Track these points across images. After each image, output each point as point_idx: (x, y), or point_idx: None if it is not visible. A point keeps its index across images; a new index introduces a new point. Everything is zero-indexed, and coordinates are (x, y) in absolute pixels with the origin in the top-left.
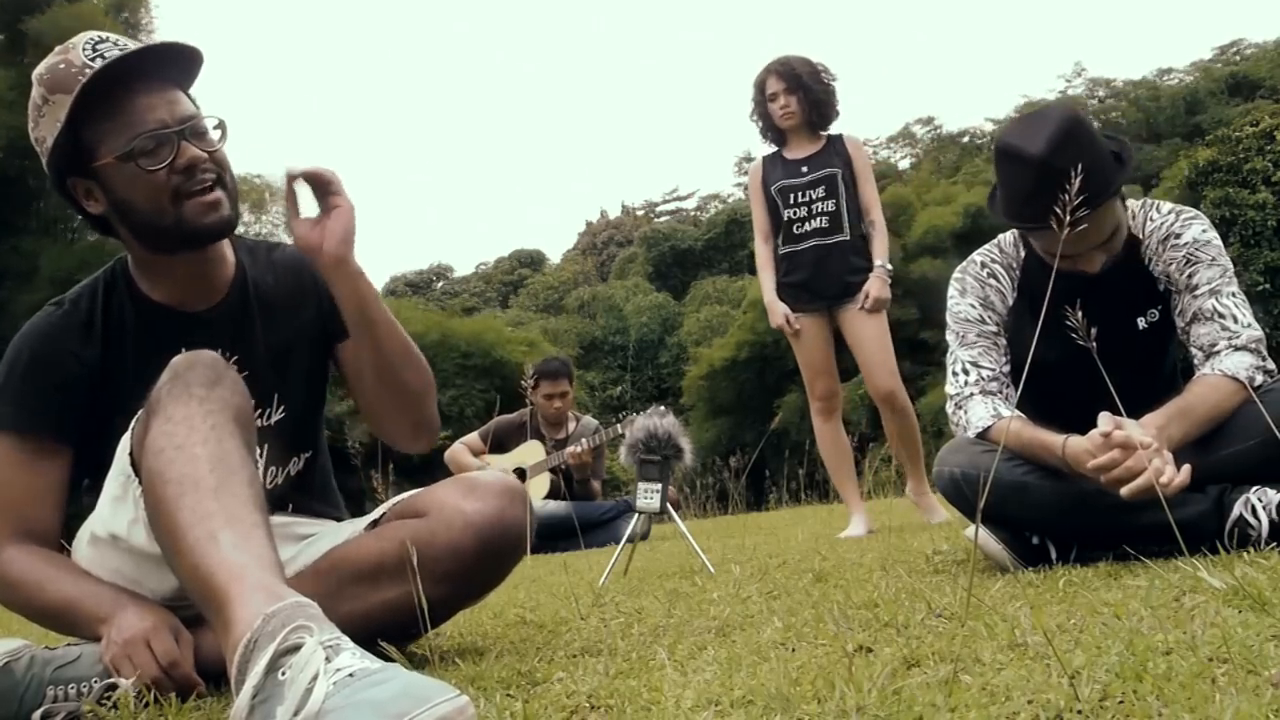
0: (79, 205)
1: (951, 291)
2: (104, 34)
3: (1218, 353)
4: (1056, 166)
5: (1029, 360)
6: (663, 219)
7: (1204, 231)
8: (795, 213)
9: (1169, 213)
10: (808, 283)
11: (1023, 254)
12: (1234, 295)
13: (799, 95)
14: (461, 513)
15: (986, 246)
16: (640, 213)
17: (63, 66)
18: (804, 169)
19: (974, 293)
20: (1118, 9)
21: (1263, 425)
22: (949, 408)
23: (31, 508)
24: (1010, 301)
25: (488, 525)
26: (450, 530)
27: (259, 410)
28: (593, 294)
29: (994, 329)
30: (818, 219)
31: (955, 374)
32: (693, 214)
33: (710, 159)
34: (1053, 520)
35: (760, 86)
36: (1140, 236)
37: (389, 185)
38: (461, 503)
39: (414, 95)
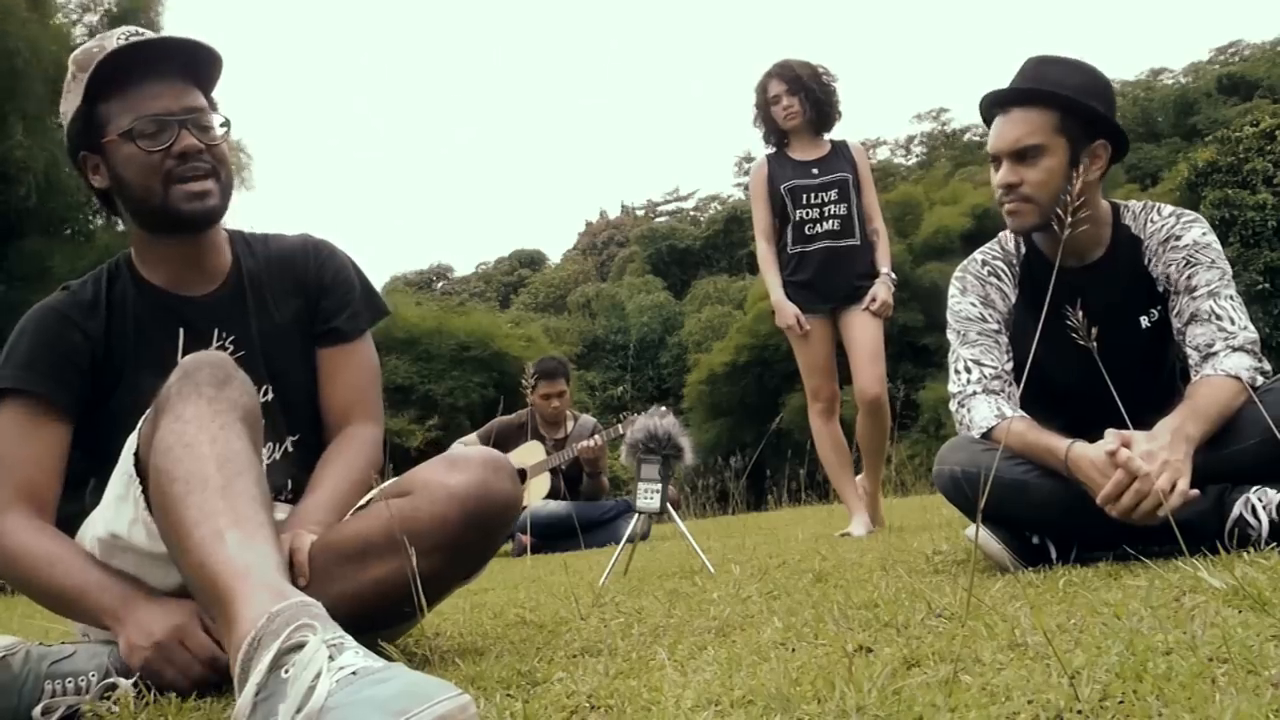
0: (87, 179)
1: (952, 290)
2: (141, 29)
3: (1215, 353)
4: (1039, 64)
5: (1030, 359)
6: (662, 219)
7: (1204, 234)
8: (807, 214)
9: (1169, 215)
10: (815, 284)
11: (1023, 250)
12: (1232, 298)
13: (801, 96)
14: (445, 485)
15: (987, 245)
16: (640, 213)
17: (95, 50)
18: (814, 170)
19: (974, 291)
20: (1116, 9)
21: (1263, 425)
22: (952, 406)
23: (35, 473)
24: (1012, 300)
25: (471, 496)
26: (434, 504)
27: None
28: (596, 291)
29: (995, 327)
30: (830, 221)
31: (957, 372)
32: (692, 214)
33: (710, 159)
34: (1053, 519)
35: (762, 90)
36: (1141, 237)
37: (389, 185)
38: (445, 477)
39: (414, 95)
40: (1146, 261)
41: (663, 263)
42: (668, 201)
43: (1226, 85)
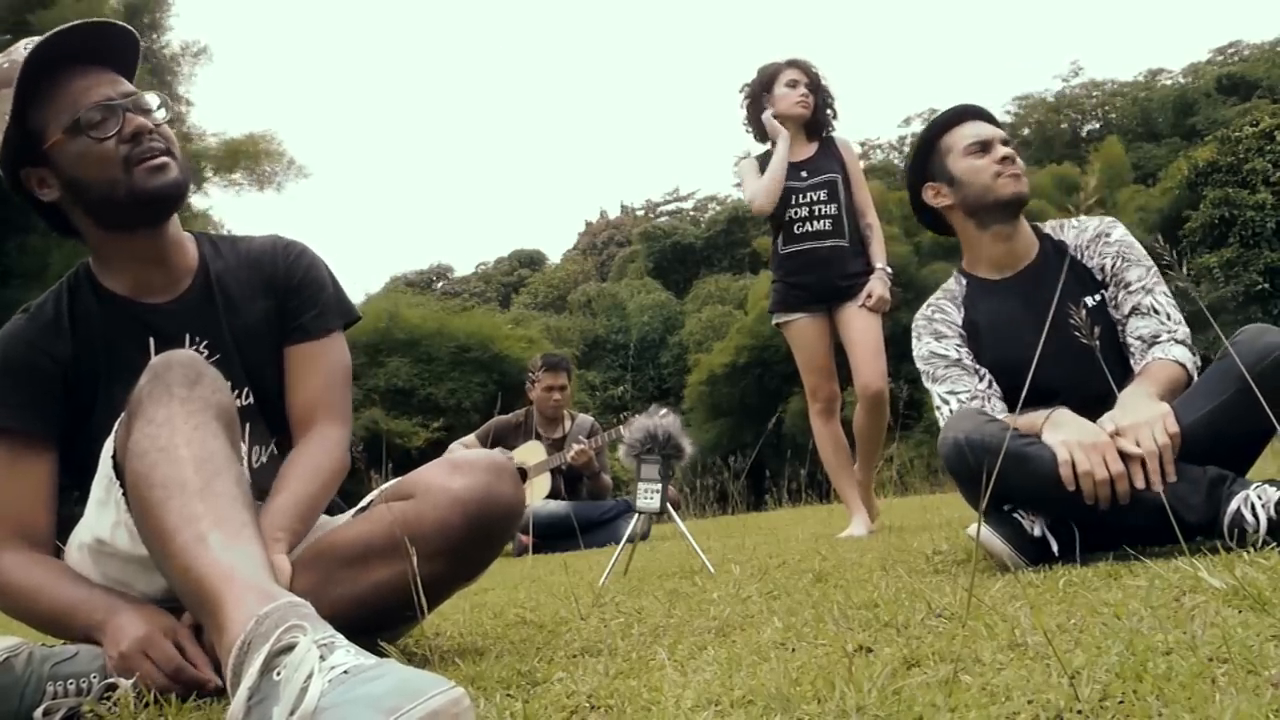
0: (33, 198)
1: (912, 342)
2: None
3: (1160, 342)
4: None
5: (1012, 357)
6: (662, 219)
7: (1125, 234)
8: (797, 213)
9: (1086, 220)
10: (809, 284)
11: (964, 283)
12: (1166, 294)
13: (815, 95)
14: (448, 490)
15: (935, 297)
16: (640, 213)
17: (6, 66)
18: (803, 173)
19: (925, 331)
20: (1115, 9)
21: (1235, 375)
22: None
23: (22, 509)
24: (959, 320)
25: (474, 501)
26: (437, 508)
27: (235, 393)
28: (598, 290)
29: (955, 355)
30: (820, 221)
31: (939, 409)
32: (692, 214)
33: (710, 159)
34: (1050, 494)
35: (769, 77)
36: (1066, 241)
37: (389, 185)
38: (448, 481)
39: (414, 95)
40: (1079, 257)
41: (665, 261)
42: (668, 201)
43: (1226, 85)
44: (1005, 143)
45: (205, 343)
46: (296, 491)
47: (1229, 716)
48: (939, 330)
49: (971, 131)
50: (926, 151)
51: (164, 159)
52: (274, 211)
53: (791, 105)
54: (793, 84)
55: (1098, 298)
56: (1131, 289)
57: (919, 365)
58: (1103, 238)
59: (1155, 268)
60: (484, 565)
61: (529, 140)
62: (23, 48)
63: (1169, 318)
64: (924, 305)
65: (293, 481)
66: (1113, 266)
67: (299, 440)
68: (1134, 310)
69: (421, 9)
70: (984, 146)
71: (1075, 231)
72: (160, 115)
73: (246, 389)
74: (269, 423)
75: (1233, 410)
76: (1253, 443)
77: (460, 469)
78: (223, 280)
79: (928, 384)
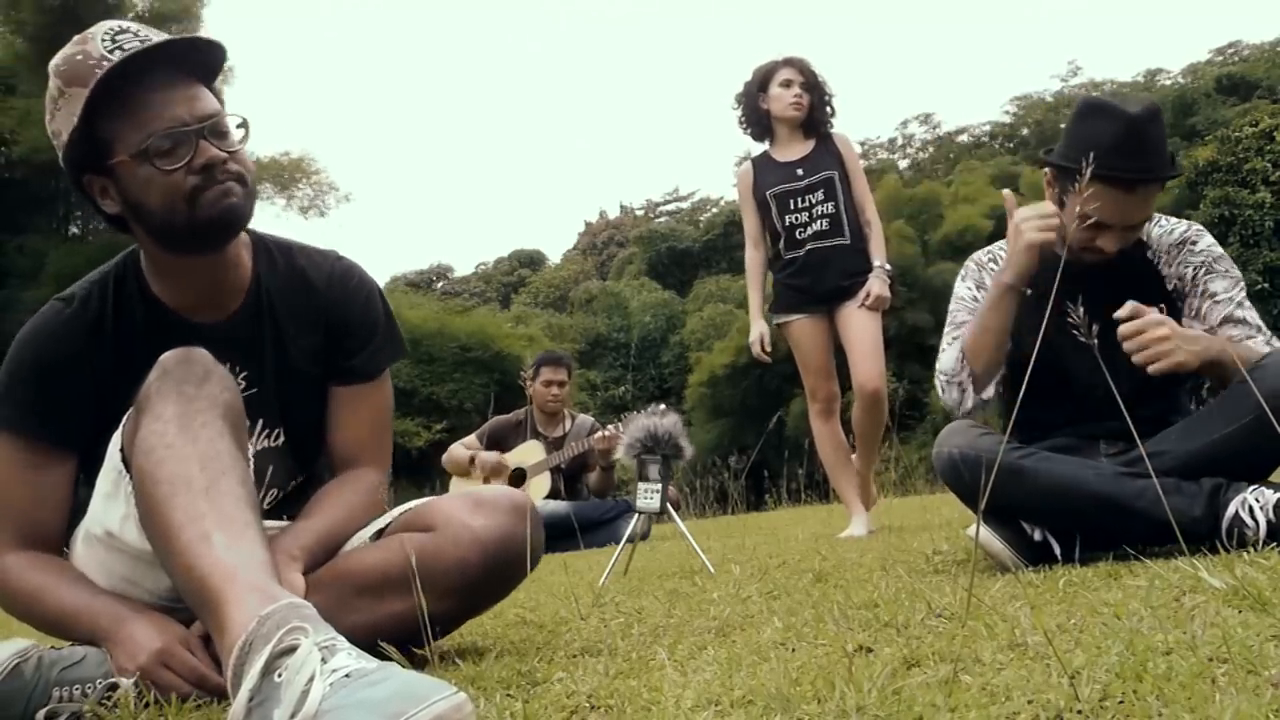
0: (95, 203)
1: (957, 278)
2: (124, 24)
3: (1254, 340)
4: (1143, 127)
5: (1035, 352)
6: (662, 219)
7: (1213, 245)
8: (796, 218)
9: (1177, 222)
10: (810, 286)
11: None
12: (1251, 308)
13: (811, 94)
14: (469, 529)
15: (997, 243)
16: (640, 213)
17: (79, 58)
18: (799, 172)
19: (972, 277)
20: (1114, 10)
21: (1254, 402)
22: (937, 383)
23: (34, 512)
24: None
25: (494, 542)
26: (458, 546)
27: (265, 431)
28: (600, 288)
29: None
30: (819, 222)
31: (943, 350)
32: (690, 214)
33: (710, 159)
34: (1048, 506)
35: (766, 75)
36: (1146, 240)
37: (389, 185)
38: (469, 519)
39: (414, 95)
40: (1156, 261)
41: (662, 264)
42: (667, 202)
43: (1225, 86)
44: (1134, 226)
45: (245, 374)
46: (326, 517)
47: (1229, 716)
48: (985, 281)
49: (1094, 198)
50: (1070, 171)
51: (229, 185)
52: (274, 213)
53: (785, 106)
54: (787, 84)
55: (1160, 310)
56: (1219, 299)
57: (951, 302)
58: (1187, 245)
59: (1242, 281)
60: (496, 602)
61: (529, 140)
62: (100, 40)
63: (1261, 330)
64: (982, 252)
65: (325, 508)
66: (1194, 276)
67: (338, 474)
68: (1226, 319)
69: (421, 8)
70: (1095, 226)
71: (1161, 231)
72: (237, 137)
73: (279, 430)
74: (294, 463)
75: (1249, 437)
76: (1264, 468)
77: (483, 508)
78: (274, 304)
79: (947, 327)
